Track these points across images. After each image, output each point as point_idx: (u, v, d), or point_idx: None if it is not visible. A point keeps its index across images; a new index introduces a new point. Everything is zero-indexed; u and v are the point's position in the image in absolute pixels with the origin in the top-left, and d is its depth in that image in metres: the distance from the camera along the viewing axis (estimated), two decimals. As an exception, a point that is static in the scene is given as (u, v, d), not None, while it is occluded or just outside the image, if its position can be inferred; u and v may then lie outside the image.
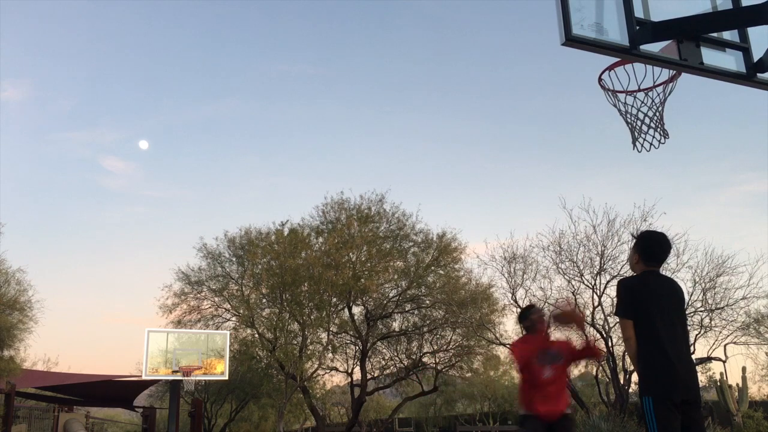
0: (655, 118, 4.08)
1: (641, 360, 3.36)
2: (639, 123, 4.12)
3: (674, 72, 3.88)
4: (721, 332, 16.12)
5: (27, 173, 70.44)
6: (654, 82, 3.96)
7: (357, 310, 21.05)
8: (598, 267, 16.67)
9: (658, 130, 4.06)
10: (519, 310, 18.18)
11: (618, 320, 3.67)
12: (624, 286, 3.57)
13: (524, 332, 5.12)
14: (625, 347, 3.42)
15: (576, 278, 17.07)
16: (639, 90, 4.05)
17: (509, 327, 22.07)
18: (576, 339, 5.01)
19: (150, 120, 68.90)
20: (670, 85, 3.99)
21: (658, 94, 4.07)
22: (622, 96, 4.14)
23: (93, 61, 66.73)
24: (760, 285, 15.36)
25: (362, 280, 18.83)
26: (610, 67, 4.00)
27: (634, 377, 18.58)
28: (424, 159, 61.58)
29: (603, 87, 4.12)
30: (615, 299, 3.60)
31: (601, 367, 17.85)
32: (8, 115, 62.72)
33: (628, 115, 4.14)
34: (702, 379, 23.55)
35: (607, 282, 16.68)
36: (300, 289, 19.35)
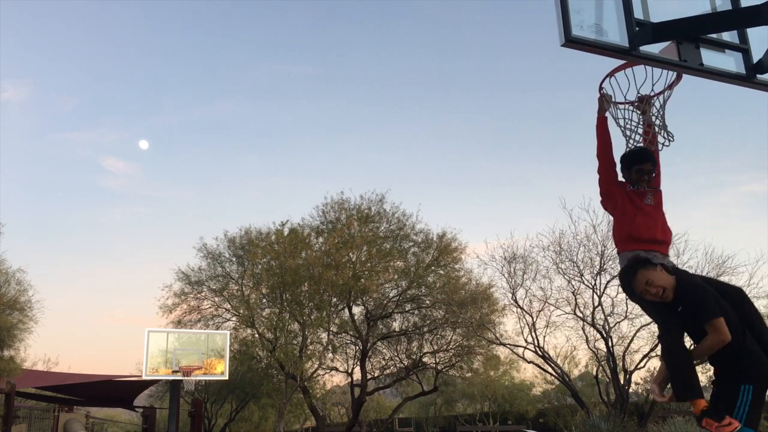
0: (658, 122, 4.08)
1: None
2: (637, 135, 4.13)
3: (673, 79, 3.89)
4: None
5: (27, 173, 70.47)
6: (653, 91, 3.96)
7: (357, 310, 21.07)
8: (598, 267, 16.69)
9: (662, 133, 4.06)
10: (519, 309, 18.25)
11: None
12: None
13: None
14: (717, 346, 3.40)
15: (576, 278, 17.10)
16: (638, 99, 4.04)
17: (509, 327, 22.06)
18: None
19: (150, 120, 68.90)
20: (668, 92, 3.99)
21: (658, 99, 4.07)
22: (621, 106, 4.15)
23: (93, 62, 66.77)
24: (760, 285, 15.39)
25: (362, 280, 18.83)
26: (610, 74, 3.99)
27: (634, 377, 18.60)
28: (424, 159, 61.57)
29: (603, 95, 4.11)
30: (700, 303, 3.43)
31: (601, 367, 17.86)
32: (9, 115, 62.75)
33: (629, 122, 4.14)
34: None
35: (607, 282, 16.70)
36: (300, 289, 19.35)
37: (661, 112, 4.06)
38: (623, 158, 4.06)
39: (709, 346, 3.38)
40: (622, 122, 4.14)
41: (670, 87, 3.94)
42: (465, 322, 19.10)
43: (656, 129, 4.06)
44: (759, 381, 3.31)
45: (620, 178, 4.08)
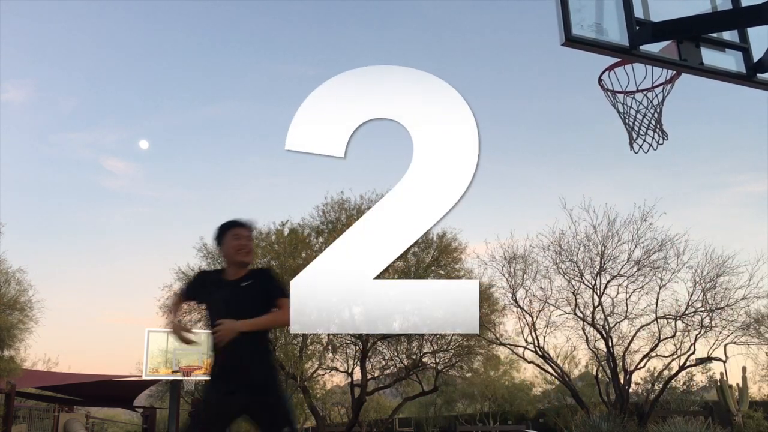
0: (654, 119, 4.07)
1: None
2: (638, 124, 4.12)
3: (673, 73, 3.88)
4: (721, 332, 16.12)
5: (28, 174, 70.25)
6: (653, 83, 3.96)
7: (357, 310, 21.03)
8: (598, 267, 16.69)
9: (657, 131, 4.05)
10: (519, 309, 18.25)
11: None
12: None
13: None
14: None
15: (576, 278, 17.09)
16: (638, 91, 4.04)
17: (509, 327, 22.04)
18: None
19: (151, 120, 68.75)
20: (669, 86, 3.98)
21: (656, 95, 4.06)
22: (620, 96, 4.14)
23: (94, 62, 66.61)
24: (760, 285, 15.37)
25: (362, 280, 18.80)
26: (610, 68, 3.99)
27: (634, 377, 18.60)
28: (424, 159, 61.37)
29: (603, 87, 4.11)
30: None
31: (601, 367, 17.86)
32: (10, 116, 62.67)
33: (627, 116, 4.13)
34: (703, 379, 23.56)
35: (608, 282, 16.71)
36: (300, 289, 19.32)
37: (659, 109, 4.05)
38: None
39: (272, 321, 3.36)
40: (621, 108, 4.12)
41: (671, 80, 3.93)
42: (465, 322, 19.07)
43: (653, 125, 4.05)
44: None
45: None
